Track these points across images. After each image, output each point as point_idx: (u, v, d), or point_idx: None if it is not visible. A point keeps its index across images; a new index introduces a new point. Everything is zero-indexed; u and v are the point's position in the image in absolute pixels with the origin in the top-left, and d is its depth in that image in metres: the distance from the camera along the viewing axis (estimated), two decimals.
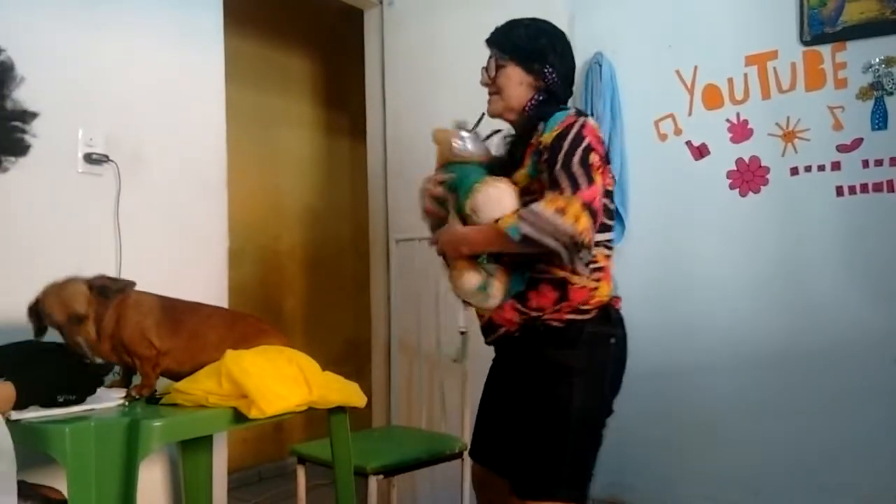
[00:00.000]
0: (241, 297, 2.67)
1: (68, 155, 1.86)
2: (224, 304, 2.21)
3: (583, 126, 1.45)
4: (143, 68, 2.04)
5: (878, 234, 2.23)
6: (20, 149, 1.19)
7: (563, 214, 1.35)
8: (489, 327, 1.59)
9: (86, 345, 1.33)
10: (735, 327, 2.44)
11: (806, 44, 2.34)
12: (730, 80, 2.46)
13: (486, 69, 1.63)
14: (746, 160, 2.43)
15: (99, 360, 1.38)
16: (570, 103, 1.64)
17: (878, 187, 2.23)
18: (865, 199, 2.25)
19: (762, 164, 2.41)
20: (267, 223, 3.53)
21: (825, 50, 2.31)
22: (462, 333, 1.58)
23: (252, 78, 3.39)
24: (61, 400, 1.27)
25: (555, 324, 1.49)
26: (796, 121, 2.35)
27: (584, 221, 1.36)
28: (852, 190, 2.27)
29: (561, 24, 2.48)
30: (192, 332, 1.50)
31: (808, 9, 2.33)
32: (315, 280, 3.76)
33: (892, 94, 2.20)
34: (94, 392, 1.35)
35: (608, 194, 1.52)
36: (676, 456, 2.52)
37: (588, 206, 1.37)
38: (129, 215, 1.97)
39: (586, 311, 1.49)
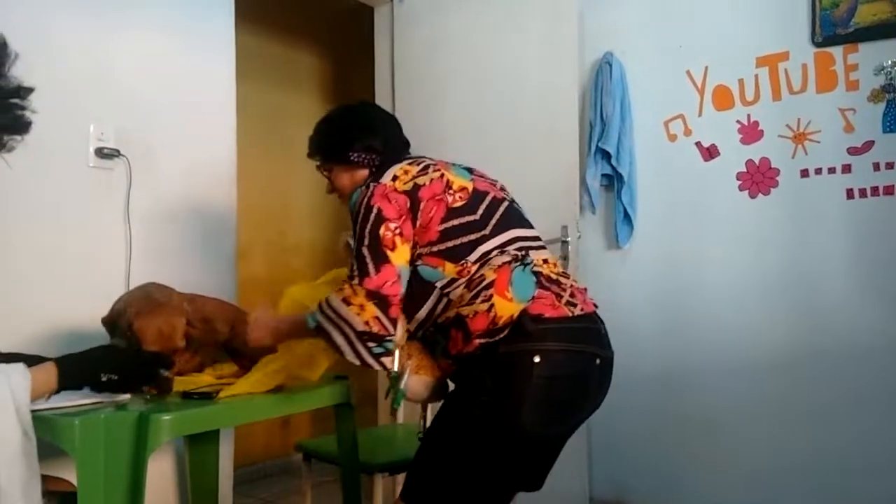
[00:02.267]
0: (248, 291, 2.67)
1: (79, 149, 1.87)
2: (233, 298, 2.21)
3: (370, 197, 1.38)
4: (154, 64, 2.05)
5: (888, 237, 2.22)
6: (22, 125, 1.19)
7: (349, 305, 1.30)
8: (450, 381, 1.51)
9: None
10: (743, 329, 2.43)
11: (817, 45, 2.33)
12: (740, 81, 2.45)
13: (325, 176, 1.64)
14: (756, 162, 2.42)
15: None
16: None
17: (888, 190, 2.22)
18: (876, 202, 2.24)
19: (772, 166, 2.40)
20: (274, 219, 3.54)
21: (837, 52, 2.30)
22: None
23: (262, 75, 3.40)
24: (104, 379, 1.25)
25: (475, 353, 1.34)
26: (807, 123, 2.34)
27: (369, 311, 1.29)
28: (863, 193, 2.26)
29: (570, 24, 2.53)
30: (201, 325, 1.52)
31: (820, 10, 2.32)
32: (321, 276, 3.76)
33: None
34: (142, 383, 1.35)
35: (460, 211, 1.39)
36: (681, 457, 2.52)
37: (373, 294, 1.30)
38: (140, 209, 1.98)
39: (497, 332, 1.31)
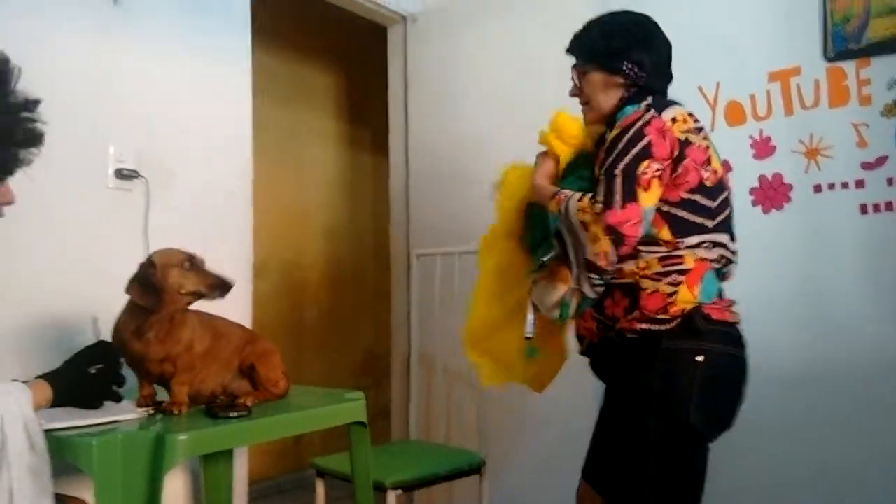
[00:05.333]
0: (264, 309, 2.70)
1: (99, 171, 1.91)
2: (248, 316, 2.24)
3: (646, 123, 1.33)
4: (172, 84, 2.10)
5: None
6: (35, 138, 1.21)
7: (586, 230, 1.28)
8: (578, 338, 1.54)
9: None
10: (757, 345, 2.37)
11: (829, 60, 2.32)
12: (752, 97, 2.45)
13: (573, 79, 1.54)
14: (769, 177, 2.42)
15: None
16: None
17: None
18: (890, 217, 2.22)
19: (785, 181, 2.39)
20: (290, 236, 3.58)
21: (849, 66, 2.29)
22: (528, 339, 1.48)
23: (277, 93, 3.45)
24: (93, 371, 1.32)
25: (629, 335, 1.37)
26: (819, 138, 2.34)
27: (603, 245, 1.27)
28: (877, 208, 2.24)
29: None
30: (212, 343, 1.53)
31: (831, 25, 2.32)
32: (337, 293, 3.79)
33: None
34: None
35: (707, 191, 1.38)
36: None
37: (612, 230, 1.27)
38: (158, 229, 2.01)
39: (663, 322, 1.34)
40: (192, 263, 1.47)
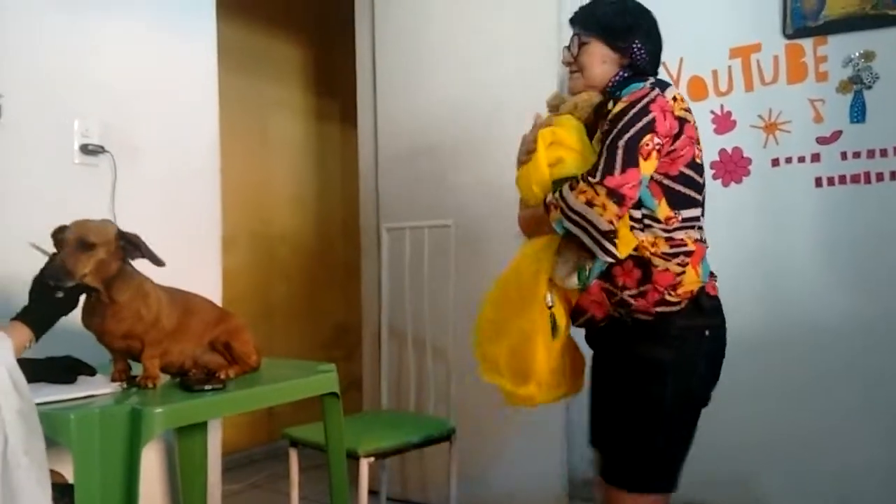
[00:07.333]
0: (233, 283, 2.71)
1: (64, 146, 1.89)
2: (218, 289, 2.25)
3: (652, 101, 1.40)
4: (136, 59, 2.06)
5: (855, 224, 2.30)
6: None
7: (592, 206, 1.35)
8: (576, 311, 1.55)
9: (67, 268, 1.34)
10: None
11: (788, 37, 2.39)
12: (714, 73, 2.51)
13: (569, 48, 1.59)
14: (729, 151, 2.49)
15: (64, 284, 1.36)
16: None
17: (855, 179, 2.30)
18: (843, 191, 2.32)
19: (744, 156, 2.47)
20: (258, 210, 3.56)
21: (807, 43, 2.36)
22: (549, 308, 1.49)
23: (243, 64, 3.40)
24: (59, 295, 1.37)
25: (643, 317, 1.46)
26: (778, 113, 2.41)
27: (610, 211, 1.35)
28: (831, 181, 2.33)
29: (549, 7, 2.55)
30: (182, 319, 1.55)
31: (790, 2, 2.38)
32: (306, 265, 3.80)
33: (870, 87, 2.26)
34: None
35: (697, 168, 1.48)
36: None
37: (613, 192, 1.34)
38: (126, 205, 1.99)
39: (675, 304, 1.44)
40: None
